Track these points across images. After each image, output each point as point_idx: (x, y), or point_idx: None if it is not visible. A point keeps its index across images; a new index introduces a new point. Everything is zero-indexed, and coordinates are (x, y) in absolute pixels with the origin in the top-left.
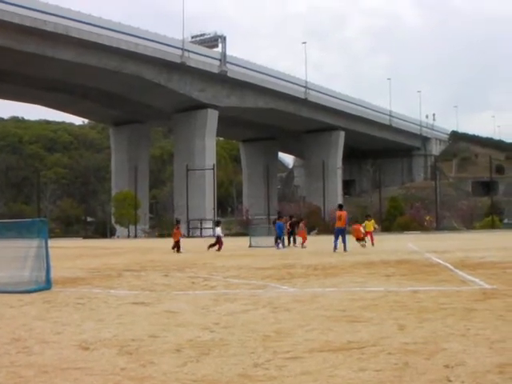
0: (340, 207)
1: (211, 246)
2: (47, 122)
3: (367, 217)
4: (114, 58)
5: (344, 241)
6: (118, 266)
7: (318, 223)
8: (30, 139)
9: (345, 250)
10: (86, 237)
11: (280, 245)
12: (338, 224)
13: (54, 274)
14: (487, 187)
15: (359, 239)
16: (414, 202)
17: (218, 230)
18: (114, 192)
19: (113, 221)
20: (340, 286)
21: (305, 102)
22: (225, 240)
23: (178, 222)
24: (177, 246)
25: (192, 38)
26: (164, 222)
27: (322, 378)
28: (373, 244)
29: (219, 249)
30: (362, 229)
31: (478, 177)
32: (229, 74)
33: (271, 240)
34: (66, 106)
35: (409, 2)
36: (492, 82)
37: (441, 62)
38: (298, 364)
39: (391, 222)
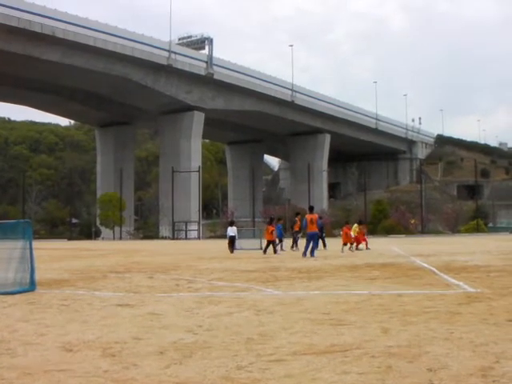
0: (310, 209)
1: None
2: (33, 123)
3: (347, 223)
4: (100, 60)
5: (314, 246)
6: (102, 268)
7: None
8: (16, 140)
9: (312, 255)
10: (70, 238)
11: (278, 247)
12: (311, 228)
13: (38, 276)
14: (472, 191)
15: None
16: (399, 206)
17: (232, 230)
18: (99, 193)
19: (98, 222)
20: (324, 289)
21: (291, 105)
22: (209, 242)
23: (272, 219)
24: (273, 247)
25: (179, 40)
26: (149, 224)
27: (305, 381)
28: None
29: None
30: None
31: (463, 180)
32: (215, 77)
33: (256, 242)
34: (53, 107)
35: (395, 6)
36: (478, 86)
37: (427, 65)
38: (281, 367)
39: (376, 226)
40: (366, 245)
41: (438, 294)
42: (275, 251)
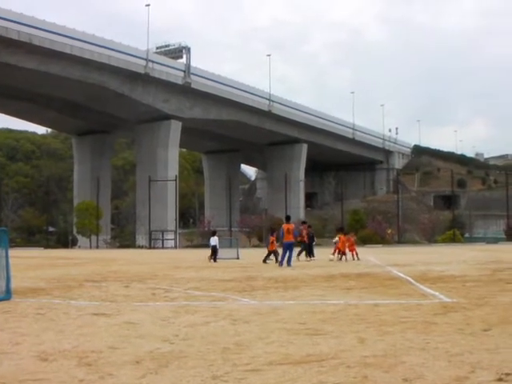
0: (287, 219)
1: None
2: (9, 131)
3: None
4: (77, 68)
5: (290, 256)
6: (78, 277)
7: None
8: None
9: (289, 264)
10: (47, 247)
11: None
12: (288, 238)
13: (14, 284)
14: (449, 201)
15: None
16: (376, 215)
17: (214, 240)
18: (76, 202)
19: (74, 231)
20: (300, 299)
21: (268, 115)
22: (186, 251)
23: (274, 230)
24: (274, 256)
25: (157, 48)
26: (125, 233)
27: None
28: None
29: (212, 259)
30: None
31: (439, 191)
32: (193, 86)
33: (233, 252)
34: (29, 115)
35: (373, 16)
36: (454, 97)
37: (404, 76)
38: (257, 377)
39: None
40: (356, 255)
41: (414, 303)
42: (276, 260)
